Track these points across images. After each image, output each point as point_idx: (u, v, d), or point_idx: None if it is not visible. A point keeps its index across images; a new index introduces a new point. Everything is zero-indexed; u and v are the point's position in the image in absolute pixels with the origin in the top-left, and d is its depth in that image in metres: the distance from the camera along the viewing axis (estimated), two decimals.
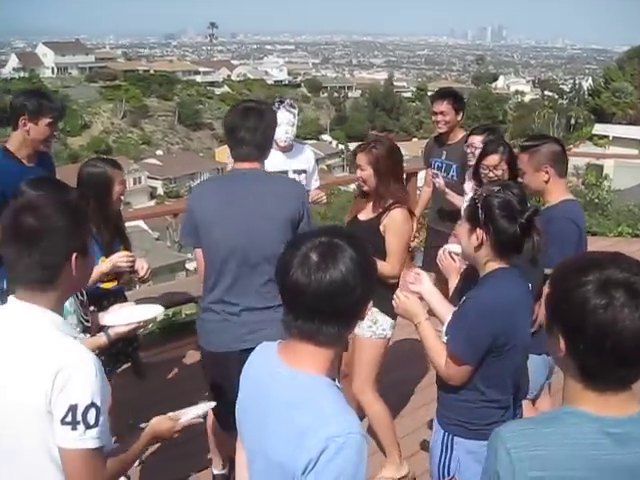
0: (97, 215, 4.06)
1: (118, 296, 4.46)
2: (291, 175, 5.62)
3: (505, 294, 3.04)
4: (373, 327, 4.47)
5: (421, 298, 3.42)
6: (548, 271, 3.10)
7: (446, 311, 3.31)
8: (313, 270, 1.99)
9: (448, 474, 3.21)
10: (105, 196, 4.27)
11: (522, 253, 3.09)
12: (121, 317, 3.31)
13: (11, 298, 2.33)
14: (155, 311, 3.39)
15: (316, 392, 2.05)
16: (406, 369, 5.93)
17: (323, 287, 1.98)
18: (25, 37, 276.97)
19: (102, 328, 3.35)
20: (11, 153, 4.40)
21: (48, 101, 4.48)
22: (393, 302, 3.41)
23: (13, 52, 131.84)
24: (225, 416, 3.55)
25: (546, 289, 1.98)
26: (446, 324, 3.23)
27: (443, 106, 6.21)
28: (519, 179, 4.26)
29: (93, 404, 2.17)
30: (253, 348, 2.80)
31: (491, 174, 4.78)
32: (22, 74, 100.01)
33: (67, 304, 3.00)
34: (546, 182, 4.14)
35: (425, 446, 4.91)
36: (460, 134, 6.29)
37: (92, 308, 4.15)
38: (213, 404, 2.93)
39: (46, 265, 2.27)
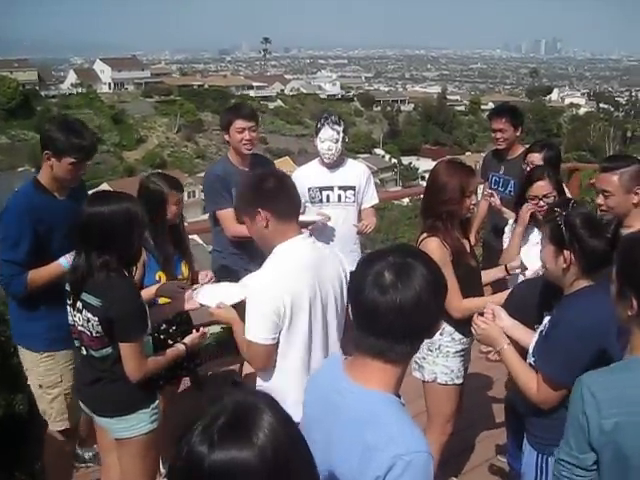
0: (151, 230, 4.10)
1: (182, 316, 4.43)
2: (336, 191, 5.51)
3: (598, 314, 2.89)
4: None
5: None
6: None
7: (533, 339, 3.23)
8: (387, 289, 2.00)
9: None
10: (157, 213, 4.24)
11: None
12: (214, 298, 3.62)
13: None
14: (242, 293, 3.54)
15: (383, 410, 2.05)
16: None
17: (397, 306, 1.99)
18: (83, 53, 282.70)
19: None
20: (42, 187, 4.06)
21: (76, 138, 3.94)
22: (472, 329, 3.37)
23: (71, 68, 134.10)
24: None
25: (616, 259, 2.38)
26: (532, 346, 3.15)
27: (501, 124, 6.17)
28: (598, 200, 3.96)
29: None
30: None
31: (542, 203, 4.59)
32: (80, 90, 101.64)
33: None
34: (635, 205, 3.84)
35: (494, 470, 4.82)
36: (519, 149, 6.22)
37: (164, 326, 4.29)
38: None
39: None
